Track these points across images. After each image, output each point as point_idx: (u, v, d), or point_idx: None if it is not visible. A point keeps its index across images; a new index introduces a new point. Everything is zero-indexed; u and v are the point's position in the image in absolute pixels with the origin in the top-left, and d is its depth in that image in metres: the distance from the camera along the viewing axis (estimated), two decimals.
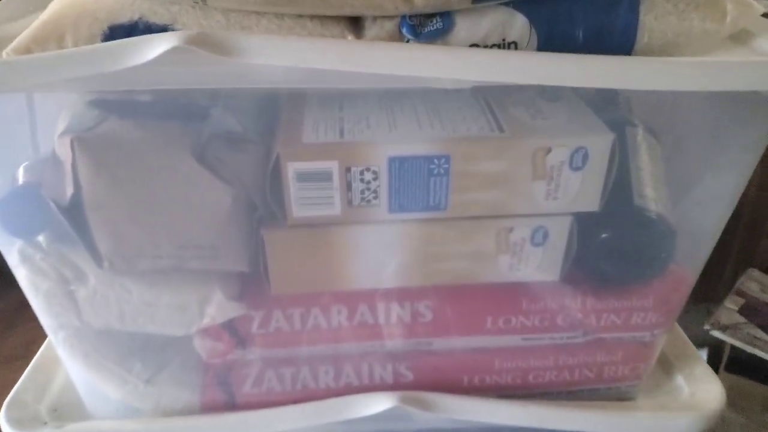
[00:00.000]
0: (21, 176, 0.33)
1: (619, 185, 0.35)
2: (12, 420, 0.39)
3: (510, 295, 0.37)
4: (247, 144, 0.33)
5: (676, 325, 0.47)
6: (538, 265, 0.36)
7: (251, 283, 0.36)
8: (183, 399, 0.40)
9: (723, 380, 1.18)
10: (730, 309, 1.13)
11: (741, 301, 1.15)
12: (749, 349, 1.04)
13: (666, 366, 0.45)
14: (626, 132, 0.37)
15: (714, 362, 1.07)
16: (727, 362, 1.07)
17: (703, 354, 1.08)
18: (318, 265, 0.34)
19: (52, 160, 0.33)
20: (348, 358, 0.40)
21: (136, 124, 0.30)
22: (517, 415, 0.40)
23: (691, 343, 0.46)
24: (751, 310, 1.12)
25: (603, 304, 0.38)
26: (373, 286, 0.36)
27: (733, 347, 1.07)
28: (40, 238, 0.34)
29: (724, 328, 1.08)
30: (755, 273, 1.23)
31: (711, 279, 1.24)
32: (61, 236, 0.33)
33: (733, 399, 1.10)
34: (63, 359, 0.39)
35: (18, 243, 0.34)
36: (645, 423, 0.40)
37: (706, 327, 1.10)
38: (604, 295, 0.38)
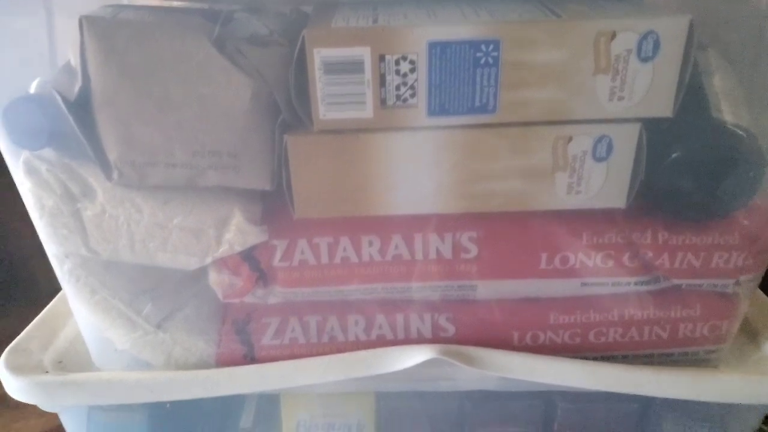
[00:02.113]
0: (33, 89, 0.31)
1: (694, 98, 0.30)
2: (12, 366, 0.35)
3: (569, 228, 0.32)
4: (272, 43, 0.29)
5: (760, 292, 0.41)
6: (601, 187, 0.31)
7: (273, 209, 0.33)
8: (197, 350, 0.36)
9: None
10: None
11: None
12: None
13: (751, 334, 0.38)
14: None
15: None
16: None
17: None
18: (347, 181, 0.30)
19: (65, 67, 0.30)
20: (381, 306, 0.35)
21: (152, 12, 0.28)
22: (578, 376, 0.34)
23: None
24: None
25: (678, 240, 0.32)
26: (409, 211, 0.31)
27: None
28: (47, 151, 0.31)
29: None
30: None
31: None
32: (68, 148, 0.31)
33: None
34: (69, 299, 0.35)
35: (23, 154, 0.31)
36: (730, 387, 0.34)
37: None
38: (680, 228, 0.32)
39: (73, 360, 0.38)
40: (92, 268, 0.34)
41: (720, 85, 0.33)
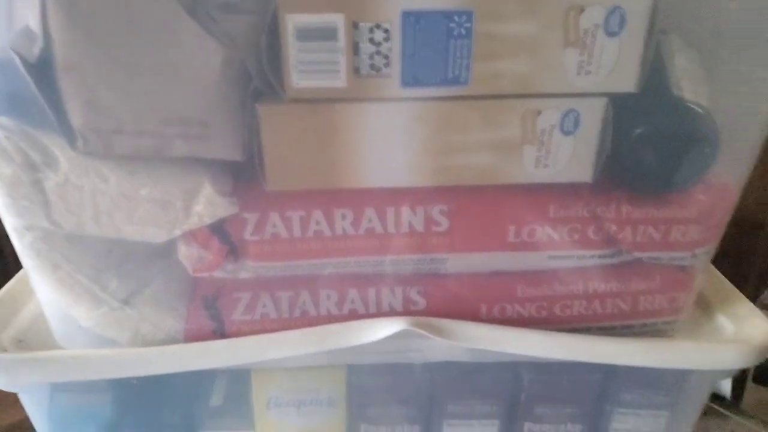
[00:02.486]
0: None
1: (657, 76, 0.32)
2: None
3: (536, 201, 0.33)
4: (244, 10, 0.29)
5: (714, 268, 0.42)
6: (568, 161, 0.32)
7: (244, 182, 0.32)
8: (165, 327, 0.35)
9: (751, 392, 1.12)
10: None
11: (765, 313, 1.10)
12: None
13: (705, 307, 0.40)
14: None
15: (741, 375, 1.01)
16: (755, 373, 1.01)
17: None
18: (319, 152, 0.30)
19: (24, 29, 0.29)
20: (353, 280, 0.35)
21: None
22: (544, 345, 0.35)
23: (732, 285, 0.41)
24: None
25: (640, 213, 0.34)
26: (382, 184, 0.32)
27: None
28: (5, 119, 0.30)
29: None
30: None
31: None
32: (29, 114, 0.29)
33: (764, 414, 1.04)
34: (30, 275, 0.34)
35: None
36: (684, 355, 0.35)
37: None
38: (642, 202, 0.34)
39: (34, 339, 0.37)
40: (55, 242, 0.33)
41: (681, 65, 0.34)
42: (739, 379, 1.04)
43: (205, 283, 0.35)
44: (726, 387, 1.05)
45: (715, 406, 1.06)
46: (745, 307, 0.39)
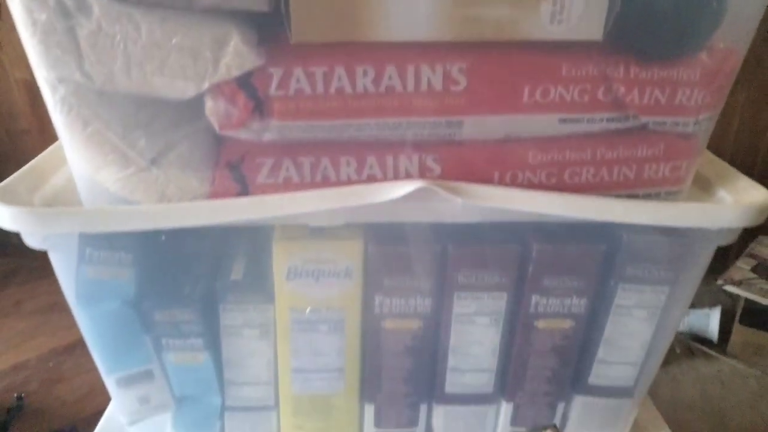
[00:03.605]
0: None
1: None
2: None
3: (549, 60, 0.35)
4: None
5: (710, 152, 0.44)
6: (581, 16, 0.33)
7: (270, 35, 0.33)
8: (191, 189, 0.37)
9: (737, 334, 1.17)
10: (742, 268, 1.12)
11: (753, 262, 1.13)
12: (763, 300, 1.03)
13: (706, 186, 0.42)
14: None
15: (728, 318, 1.05)
16: (741, 315, 1.05)
17: (717, 311, 1.06)
18: (344, 2, 0.32)
19: None
20: (372, 147, 0.37)
21: None
22: (554, 204, 0.37)
23: (731, 166, 0.43)
24: (762, 269, 1.11)
25: (647, 74, 0.35)
26: (403, 36, 0.33)
27: (746, 301, 1.05)
28: None
29: (737, 283, 1.06)
30: (765, 239, 1.22)
31: (721, 247, 1.23)
32: None
33: (748, 355, 1.08)
34: (61, 135, 0.35)
35: None
36: (691, 214, 0.37)
37: (720, 282, 1.08)
38: (649, 64, 0.35)
39: (61, 203, 0.38)
40: (85, 98, 0.34)
41: None
42: (726, 323, 1.08)
43: (230, 147, 0.36)
44: (714, 331, 1.08)
45: (704, 348, 1.10)
46: (743, 181, 0.40)
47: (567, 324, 0.44)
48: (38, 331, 1.08)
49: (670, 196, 0.40)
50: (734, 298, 1.08)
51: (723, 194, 0.40)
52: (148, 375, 0.44)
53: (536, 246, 0.41)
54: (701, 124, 0.37)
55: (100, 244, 0.40)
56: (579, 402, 0.48)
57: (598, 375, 0.47)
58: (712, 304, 1.07)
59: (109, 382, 0.44)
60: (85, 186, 0.37)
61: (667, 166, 0.38)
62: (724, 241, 0.39)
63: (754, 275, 1.10)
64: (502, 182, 0.38)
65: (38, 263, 1.24)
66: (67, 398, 0.93)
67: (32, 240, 0.37)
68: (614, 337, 0.45)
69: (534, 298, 0.43)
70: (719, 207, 0.38)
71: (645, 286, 0.43)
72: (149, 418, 0.46)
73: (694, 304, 1.09)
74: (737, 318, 1.06)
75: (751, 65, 1.01)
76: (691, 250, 0.41)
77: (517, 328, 0.44)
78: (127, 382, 0.44)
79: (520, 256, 0.41)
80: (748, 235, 1.23)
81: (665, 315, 0.44)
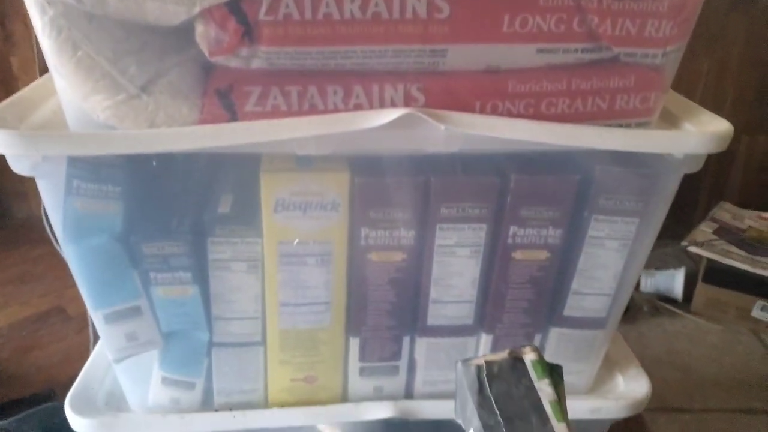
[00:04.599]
0: None
1: None
2: None
3: None
4: None
5: (675, 92, 0.47)
6: None
7: None
8: (181, 117, 0.37)
9: (700, 292, 1.22)
10: (705, 231, 1.17)
11: (714, 225, 1.18)
12: (724, 260, 1.08)
13: (672, 119, 0.44)
14: None
15: (692, 280, 1.10)
16: (704, 274, 1.10)
17: (681, 272, 1.11)
18: None
19: None
20: (358, 77, 0.38)
21: None
22: (533, 131, 0.38)
23: (695, 104, 0.45)
24: (723, 231, 1.16)
25: (619, 5, 0.37)
26: None
27: (709, 260, 1.10)
28: None
29: (700, 245, 1.11)
30: (726, 205, 1.28)
31: (685, 213, 1.29)
32: None
33: (711, 311, 1.13)
34: (50, 62, 0.35)
35: None
36: (657, 139, 0.40)
37: (684, 243, 1.13)
38: None
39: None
40: (75, 20, 0.34)
41: None
42: (691, 284, 1.13)
43: (219, 75, 0.37)
44: (678, 290, 1.13)
45: (669, 307, 1.15)
46: (707, 115, 0.43)
47: (543, 255, 0.46)
48: (10, 300, 1.06)
49: (640, 128, 0.42)
50: (696, 261, 1.13)
51: (687, 126, 0.43)
52: (135, 311, 0.45)
53: (514, 176, 0.43)
54: (669, 55, 0.40)
55: (88, 176, 0.40)
56: (555, 334, 0.50)
57: (573, 306, 0.49)
58: (677, 266, 1.12)
59: (97, 319, 0.45)
60: (74, 116, 0.38)
61: (637, 98, 0.41)
62: (690, 169, 0.42)
63: (716, 237, 1.15)
64: (483, 112, 0.39)
65: (7, 233, 1.22)
66: (41, 364, 0.92)
67: (21, 166, 0.37)
68: (588, 268, 0.47)
69: (512, 229, 0.45)
70: (685, 133, 0.40)
71: (617, 218, 0.45)
72: (137, 355, 0.47)
73: (660, 266, 1.13)
74: (700, 277, 1.11)
75: (715, 36, 1.05)
76: (659, 181, 0.44)
77: (496, 260, 0.46)
78: (114, 318, 0.45)
79: (500, 187, 0.43)
80: (712, 201, 1.29)
81: (636, 246, 0.47)
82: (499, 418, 0.35)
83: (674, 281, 1.10)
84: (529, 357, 0.38)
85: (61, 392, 0.88)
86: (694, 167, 0.42)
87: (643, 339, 1.05)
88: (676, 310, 1.10)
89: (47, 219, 0.42)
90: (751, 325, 1.03)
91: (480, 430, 0.35)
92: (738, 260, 1.05)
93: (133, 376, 0.49)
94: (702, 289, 1.10)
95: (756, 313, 1.03)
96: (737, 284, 1.07)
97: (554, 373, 0.38)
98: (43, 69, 0.37)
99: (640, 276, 1.13)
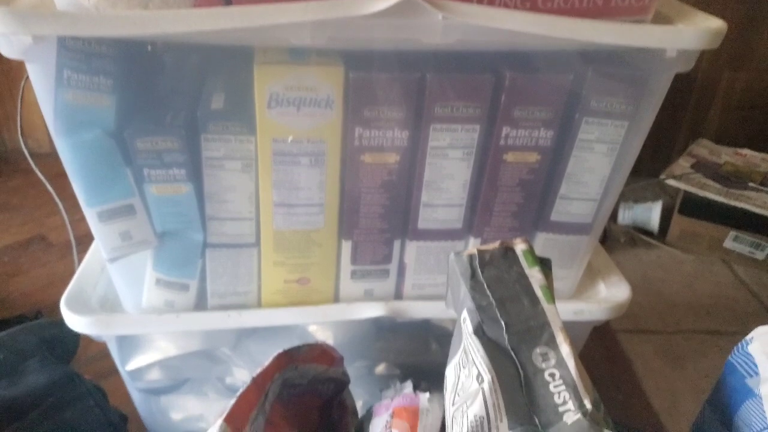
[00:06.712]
0: None
1: None
2: None
3: None
4: None
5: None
6: None
7: None
8: (175, 1, 0.36)
9: (676, 223, 1.25)
10: (682, 165, 1.19)
11: (692, 160, 1.21)
12: (700, 192, 1.10)
13: (666, 20, 0.44)
14: None
15: (668, 213, 1.13)
16: (680, 206, 1.13)
17: (658, 205, 1.14)
18: None
19: None
20: None
21: None
22: (531, 21, 0.38)
23: (688, 6, 0.45)
24: (700, 166, 1.19)
25: None
26: None
27: (685, 193, 1.13)
28: None
29: (678, 177, 1.14)
30: (704, 141, 1.30)
31: (664, 151, 1.31)
32: None
33: (685, 242, 1.16)
34: None
35: None
36: (653, 33, 0.40)
37: (662, 177, 1.16)
38: None
39: None
40: None
41: None
42: (667, 218, 1.16)
43: None
44: (655, 222, 1.17)
45: (645, 238, 1.19)
46: (700, 15, 0.43)
47: (533, 158, 0.47)
48: None
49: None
50: (673, 195, 1.15)
51: (682, 26, 0.43)
52: (129, 209, 0.45)
53: (509, 74, 0.43)
54: None
55: (79, 66, 0.39)
56: (541, 239, 0.52)
57: (560, 211, 0.50)
58: (654, 199, 1.15)
59: (91, 216, 0.45)
60: (64, 1, 0.36)
61: None
62: (682, 68, 0.42)
63: (693, 171, 1.17)
64: (480, 4, 0.39)
65: None
66: (26, 289, 0.92)
67: (10, 48, 0.36)
68: (576, 172, 0.48)
69: (504, 130, 0.45)
70: (680, 28, 0.40)
71: (607, 120, 0.46)
72: (131, 254, 0.47)
73: (638, 200, 1.15)
74: (676, 209, 1.14)
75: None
76: (650, 83, 0.45)
77: (487, 162, 0.47)
78: (108, 216, 0.45)
79: (494, 86, 0.44)
80: (691, 140, 1.31)
81: (623, 150, 0.48)
82: (491, 299, 0.36)
83: (651, 213, 1.13)
84: (520, 247, 0.39)
85: (48, 314, 0.89)
86: (687, 66, 0.42)
87: (619, 268, 1.10)
88: (652, 241, 1.13)
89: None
90: (723, 255, 1.07)
91: (473, 310, 0.36)
92: (713, 192, 1.08)
93: (127, 279, 0.49)
94: (677, 221, 1.13)
95: (728, 243, 1.07)
96: (712, 216, 1.10)
97: (543, 263, 0.40)
98: None
99: (618, 207, 1.17)
